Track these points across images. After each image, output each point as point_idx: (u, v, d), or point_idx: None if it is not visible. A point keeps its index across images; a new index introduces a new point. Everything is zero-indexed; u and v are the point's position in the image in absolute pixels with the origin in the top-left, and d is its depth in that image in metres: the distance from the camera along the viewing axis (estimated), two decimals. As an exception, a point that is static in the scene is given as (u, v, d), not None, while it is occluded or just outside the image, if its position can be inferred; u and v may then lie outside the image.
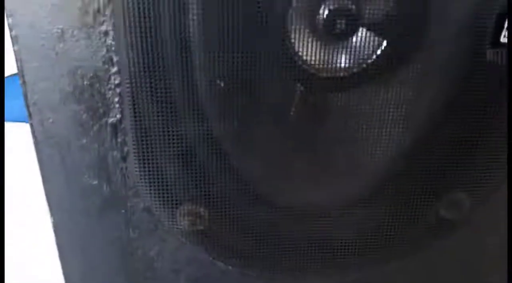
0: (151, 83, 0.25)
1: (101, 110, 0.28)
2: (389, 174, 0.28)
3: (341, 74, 0.25)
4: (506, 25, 0.24)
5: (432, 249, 0.32)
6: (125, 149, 0.29)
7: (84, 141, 0.29)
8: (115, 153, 0.29)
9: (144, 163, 0.27)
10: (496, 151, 0.29)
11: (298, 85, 0.26)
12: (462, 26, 0.25)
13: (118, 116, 0.28)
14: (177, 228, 0.29)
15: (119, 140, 0.28)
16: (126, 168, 0.29)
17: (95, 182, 0.30)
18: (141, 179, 0.28)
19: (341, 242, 0.30)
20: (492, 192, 0.30)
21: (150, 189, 0.28)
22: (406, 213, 0.29)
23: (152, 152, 0.27)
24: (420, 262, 0.33)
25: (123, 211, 0.31)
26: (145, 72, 0.25)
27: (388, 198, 0.29)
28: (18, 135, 0.62)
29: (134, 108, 0.26)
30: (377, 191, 0.29)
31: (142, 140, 0.26)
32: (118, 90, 0.27)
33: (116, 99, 0.27)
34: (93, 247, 0.32)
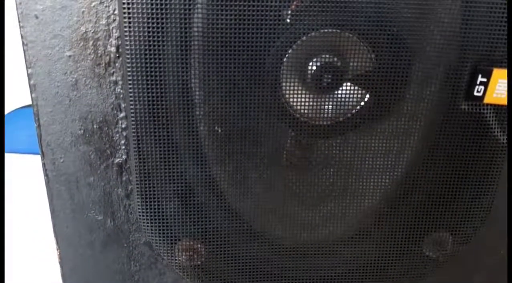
0: (155, 128, 0.27)
1: (108, 151, 0.30)
2: (375, 215, 0.30)
3: (329, 122, 0.28)
4: (478, 80, 0.27)
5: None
6: (129, 187, 0.31)
7: (92, 179, 0.31)
8: (119, 190, 0.31)
9: (146, 200, 0.29)
10: (477, 192, 0.31)
11: (290, 131, 0.28)
12: (440, 80, 0.27)
13: (124, 157, 0.30)
14: (175, 262, 0.31)
15: (123, 178, 0.31)
16: (130, 205, 0.31)
17: (100, 217, 0.32)
18: (142, 215, 0.30)
19: (330, 279, 0.32)
20: (475, 231, 0.32)
21: (151, 225, 0.30)
22: (391, 252, 0.31)
23: (153, 190, 0.29)
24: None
25: (125, 245, 0.33)
26: (149, 119, 0.27)
27: (374, 238, 0.31)
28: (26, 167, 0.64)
29: (139, 151, 0.28)
30: (364, 231, 0.31)
31: (145, 179, 0.29)
32: (124, 133, 0.29)
33: (123, 141, 0.30)
34: (97, 278, 0.34)
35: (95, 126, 0.29)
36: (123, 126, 0.29)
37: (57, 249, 0.33)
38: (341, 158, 0.28)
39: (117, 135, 0.30)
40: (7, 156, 0.64)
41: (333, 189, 0.29)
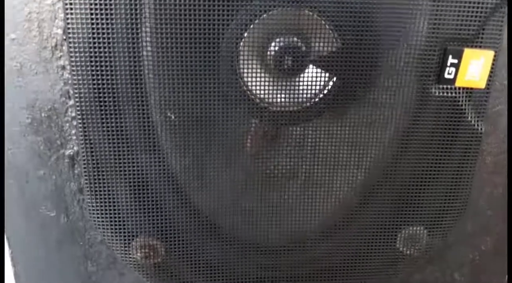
0: (103, 117, 0.25)
1: (58, 142, 0.28)
2: (346, 209, 0.28)
3: (292, 108, 0.26)
4: (449, 62, 0.25)
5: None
6: (82, 181, 0.29)
7: (42, 172, 0.29)
8: (72, 184, 0.29)
9: (96, 195, 0.27)
10: (453, 184, 0.29)
11: (251, 118, 0.26)
12: (409, 62, 0.26)
13: (76, 148, 0.28)
14: (131, 260, 0.29)
15: (76, 171, 0.29)
16: (83, 200, 0.29)
17: (53, 213, 0.30)
18: (93, 210, 0.28)
19: (301, 279, 0.30)
20: (451, 225, 0.30)
21: (103, 222, 0.28)
22: (364, 248, 0.29)
23: (104, 184, 0.27)
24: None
25: (81, 243, 0.31)
26: (97, 106, 0.25)
27: (346, 233, 0.29)
28: None
29: (85, 140, 0.26)
30: (336, 226, 0.29)
31: (95, 172, 0.27)
32: (75, 122, 0.27)
33: (73, 131, 0.28)
34: (51, 279, 0.32)
35: (43, 115, 0.27)
36: (73, 115, 0.27)
37: (8, 248, 0.31)
38: (305, 147, 0.26)
39: (67, 124, 0.28)
40: None
41: (299, 180, 0.27)
